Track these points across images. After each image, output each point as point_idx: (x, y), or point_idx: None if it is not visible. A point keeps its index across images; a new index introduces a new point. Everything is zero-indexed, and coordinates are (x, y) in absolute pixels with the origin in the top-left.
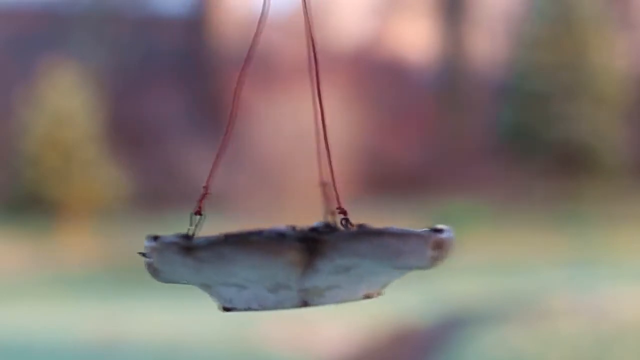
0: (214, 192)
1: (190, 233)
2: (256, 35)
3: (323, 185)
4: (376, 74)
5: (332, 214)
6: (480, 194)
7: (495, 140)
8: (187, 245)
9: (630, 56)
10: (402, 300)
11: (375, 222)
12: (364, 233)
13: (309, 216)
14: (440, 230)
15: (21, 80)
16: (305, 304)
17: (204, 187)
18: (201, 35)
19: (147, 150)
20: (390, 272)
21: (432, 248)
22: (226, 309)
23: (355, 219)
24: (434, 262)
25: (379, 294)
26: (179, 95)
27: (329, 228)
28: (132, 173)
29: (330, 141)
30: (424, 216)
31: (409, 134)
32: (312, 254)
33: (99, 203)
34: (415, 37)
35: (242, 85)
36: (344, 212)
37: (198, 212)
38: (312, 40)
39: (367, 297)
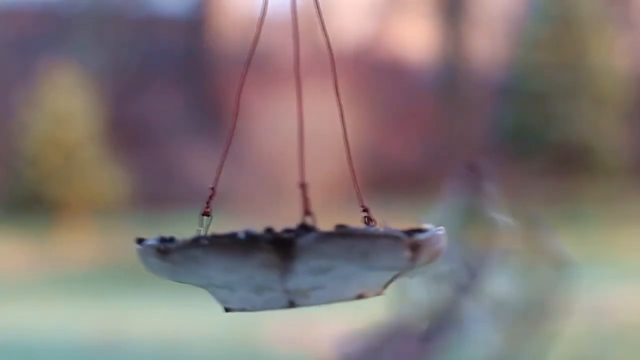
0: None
1: (202, 234)
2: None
3: (302, 186)
4: (376, 74)
5: (308, 214)
6: None
7: (495, 140)
8: (162, 249)
9: (630, 56)
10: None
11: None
12: (331, 235)
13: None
14: (421, 231)
15: (21, 80)
16: (292, 304)
17: (211, 188)
18: (201, 35)
19: (147, 150)
20: (378, 273)
21: (408, 249)
22: (227, 309)
23: (354, 218)
24: (412, 263)
25: (377, 294)
26: (179, 95)
27: (304, 229)
28: (132, 173)
29: (330, 141)
30: (424, 216)
31: (409, 134)
32: (285, 255)
33: (99, 203)
34: (415, 37)
35: (241, 89)
36: (366, 210)
37: (206, 213)
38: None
39: (362, 297)
